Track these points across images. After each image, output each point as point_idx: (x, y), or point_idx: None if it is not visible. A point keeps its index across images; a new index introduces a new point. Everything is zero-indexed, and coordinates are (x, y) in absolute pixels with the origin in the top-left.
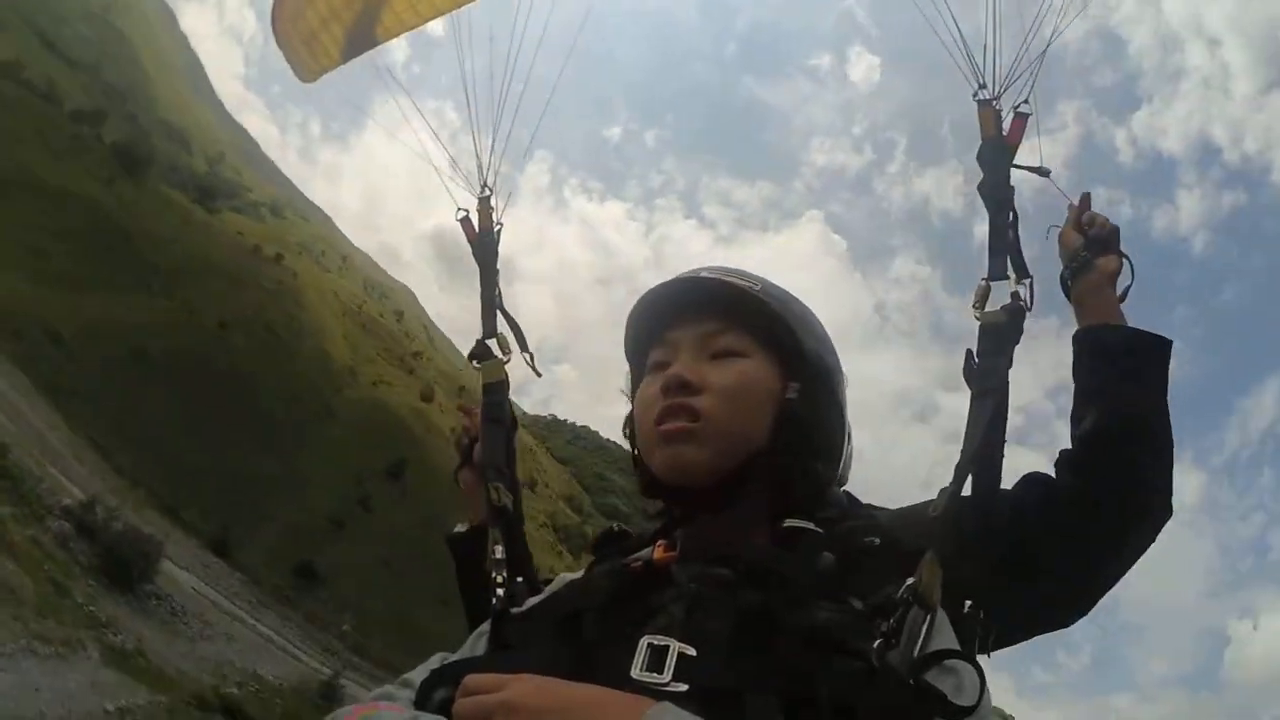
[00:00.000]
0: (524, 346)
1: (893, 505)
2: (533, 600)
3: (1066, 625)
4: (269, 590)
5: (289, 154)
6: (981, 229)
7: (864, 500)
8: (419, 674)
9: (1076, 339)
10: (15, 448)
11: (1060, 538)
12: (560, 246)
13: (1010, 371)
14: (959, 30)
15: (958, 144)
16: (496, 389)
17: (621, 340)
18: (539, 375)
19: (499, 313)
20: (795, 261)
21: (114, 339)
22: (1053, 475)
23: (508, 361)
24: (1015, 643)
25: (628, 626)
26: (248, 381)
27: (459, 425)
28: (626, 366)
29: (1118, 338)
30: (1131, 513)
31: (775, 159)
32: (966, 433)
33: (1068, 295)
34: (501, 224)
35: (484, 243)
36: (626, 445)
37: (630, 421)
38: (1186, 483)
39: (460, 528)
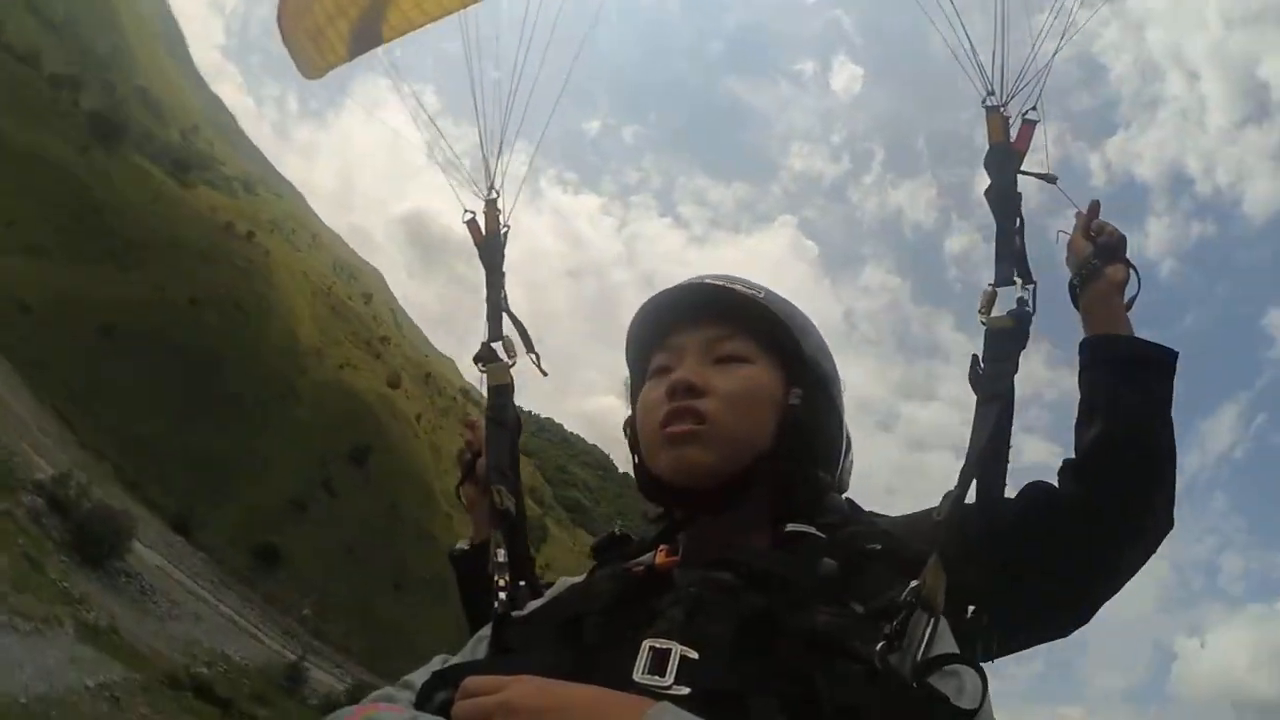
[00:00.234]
0: (530, 348)
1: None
2: (534, 604)
3: (1065, 634)
4: (230, 571)
5: (264, 128)
6: (952, 243)
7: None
8: (419, 676)
9: (1084, 347)
10: None
11: (1062, 545)
12: (532, 236)
13: (1016, 377)
14: (968, 37)
15: (933, 158)
16: (502, 392)
17: (591, 333)
18: (545, 374)
19: (505, 315)
20: (766, 265)
21: (83, 312)
22: (1055, 484)
23: (513, 365)
24: (1014, 650)
25: (629, 630)
26: (215, 360)
27: (461, 439)
28: (625, 370)
29: (1126, 348)
30: (1134, 522)
31: (753, 161)
32: (972, 438)
33: (1075, 303)
34: (508, 226)
35: (491, 245)
36: (587, 439)
37: (631, 424)
38: None
39: (462, 544)
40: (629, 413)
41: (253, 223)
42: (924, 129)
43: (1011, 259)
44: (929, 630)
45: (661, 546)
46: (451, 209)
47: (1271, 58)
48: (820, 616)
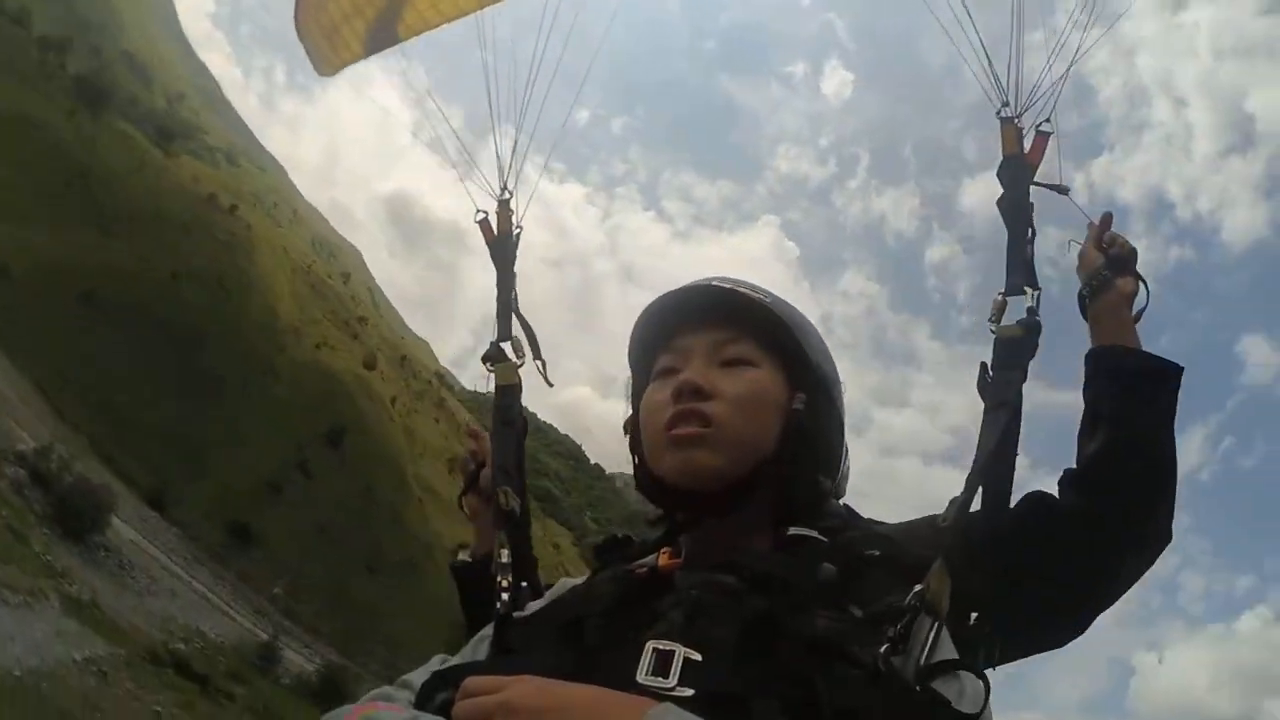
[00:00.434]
0: (536, 354)
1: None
2: (535, 604)
3: (1061, 644)
4: (203, 548)
5: (250, 99)
6: (932, 253)
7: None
8: (418, 676)
9: (1091, 357)
10: None
11: (1062, 553)
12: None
13: (1025, 386)
14: (984, 49)
15: (919, 168)
16: (509, 392)
17: (571, 323)
18: (550, 385)
19: (515, 316)
20: (747, 264)
21: (64, 280)
22: (1056, 494)
23: (521, 365)
24: (1012, 659)
25: (631, 631)
26: (194, 335)
27: (463, 450)
28: (601, 361)
29: (1133, 360)
30: (1133, 534)
31: (740, 160)
32: (979, 444)
33: (1084, 313)
34: (521, 227)
35: (502, 245)
36: (560, 429)
37: (631, 424)
38: None
39: (463, 555)
40: (629, 412)
41: (235, 195)
42: (911, 138)
43: (1022, 268)
44: (932, 635)
45: (664, 549)
46: (434, 191)
47: (1259, 90)
48: (820, 620)
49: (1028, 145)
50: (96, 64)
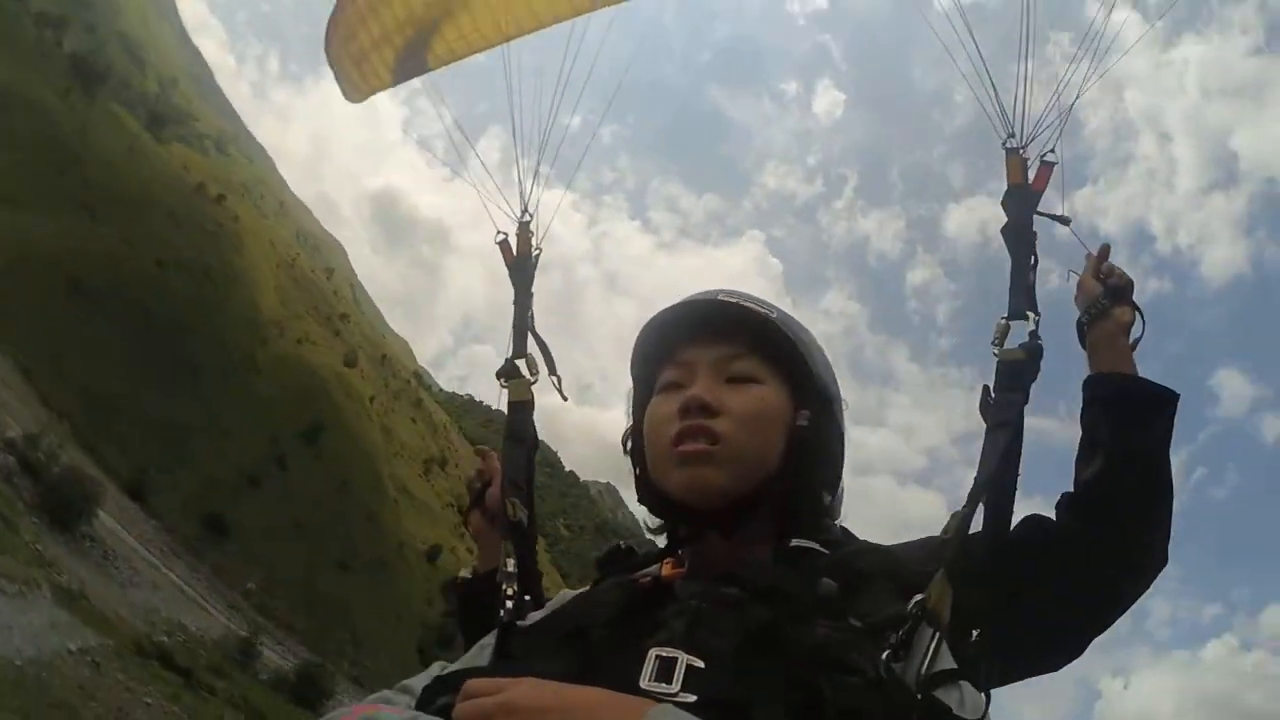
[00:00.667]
0: (552, 370)
1: None
2: (536, 615)
3: (1056, 668)
4: (180, 540)
5: (242, 87)
6: (914, 276)
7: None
8: (418, 681)
9: (1089, 384)
10: None
11: (1059, 577)
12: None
13: (1026, 408)
14: (991, 82)
15: (905, 191)
16: (521, 408)
17: (551, 327)
18: (565, 399)
19: (530, 335)
20: (729, 277)
21: (52, 264)
22: (1053, 518)
23: (534, 383)
24: (1008, 682)
25: (634, 639)
26: (178, 325)
27: (472, 470)
28: (581, 368)
29: (1130, 387)
30: (1130, 559)
31: (728, 174)
32: (981, 463)
33: (1082, 341)
34: (540, 250)
35: (521, 267)
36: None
37: (632, 437)
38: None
39: (465, 572)
40: (629, 423)
41: (224, 185)
42: (899, 161)
43: (1025, 294)
44: (933, 645)
45: (666, 559)
46: (421, 189)
47: (1244, 130)
48: (820, 630)
49: (1032, 175)
50: (91, 43)
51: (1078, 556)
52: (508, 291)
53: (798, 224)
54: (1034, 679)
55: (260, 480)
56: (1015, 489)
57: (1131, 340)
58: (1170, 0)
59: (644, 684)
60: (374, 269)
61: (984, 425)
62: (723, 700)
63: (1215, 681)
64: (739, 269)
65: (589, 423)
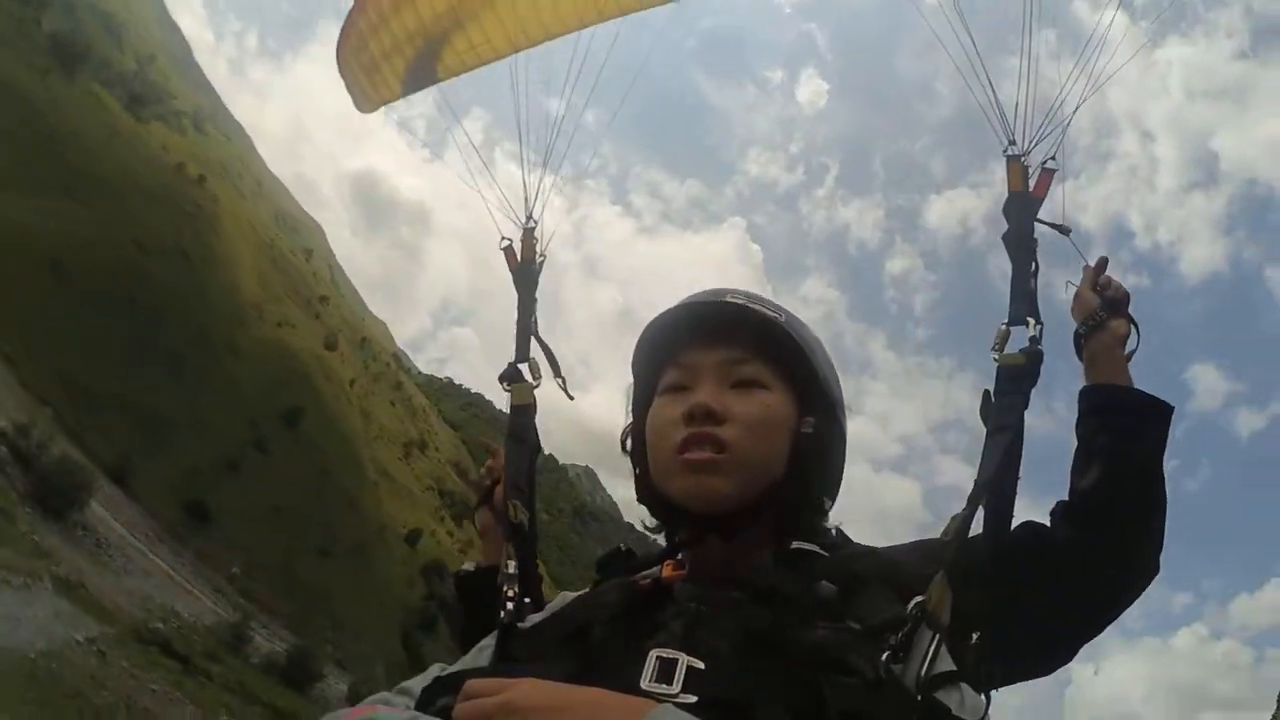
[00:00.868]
0: (557, 372)
1: None
2: (536, 618)
3: (1048, 672)
4: (163, 525)
5: (220, 64)
6: (893, 265)
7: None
8: (417, 683)
9: (1085, 395)
10: None
11: (1054, 585)
12: (480, 207)
13: (1025, 412)
14: (992, 89)
15: (887, 181)
16: (523, 411)
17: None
18: (571, 399)
19: (534, 339)
20: (710, 264)
21: (32, 246)
22: (1047, 524)
23: (537, 386)
24: (998, 686)
25: (634, 640)
26: (158, 308)
27: (482, 468)
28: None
29: (1127, 399)
30: (1125, 567)
31: (710, 161)
32: (981, 466)
33: (1079, 353)
34: (545, 255)
35: (525, 272)
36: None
37: (633, 437)
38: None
39: (468, 566)
40: (628, 420)
41: (203, 165)
42: (881, 151)
43: (1026, 300)
44: (933, 646)
45: (667, 561)
46: (402, 171)
47: (1225, 131)
48: (820, 632)
49: (1033, 183)
50: (71, 23)
51: (1074, 564)
52: (488, 274)
53: (778, 211)
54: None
55: (240, 464)
56: (1015, 492)
57: (1127, 352)
58: (1161, 5)
59: (644, 684)
60: (353, 251)
61: (984, 429)
62: (723, 700)
63: (1185, 669)
64: (720, 255)
65: (568, 406)
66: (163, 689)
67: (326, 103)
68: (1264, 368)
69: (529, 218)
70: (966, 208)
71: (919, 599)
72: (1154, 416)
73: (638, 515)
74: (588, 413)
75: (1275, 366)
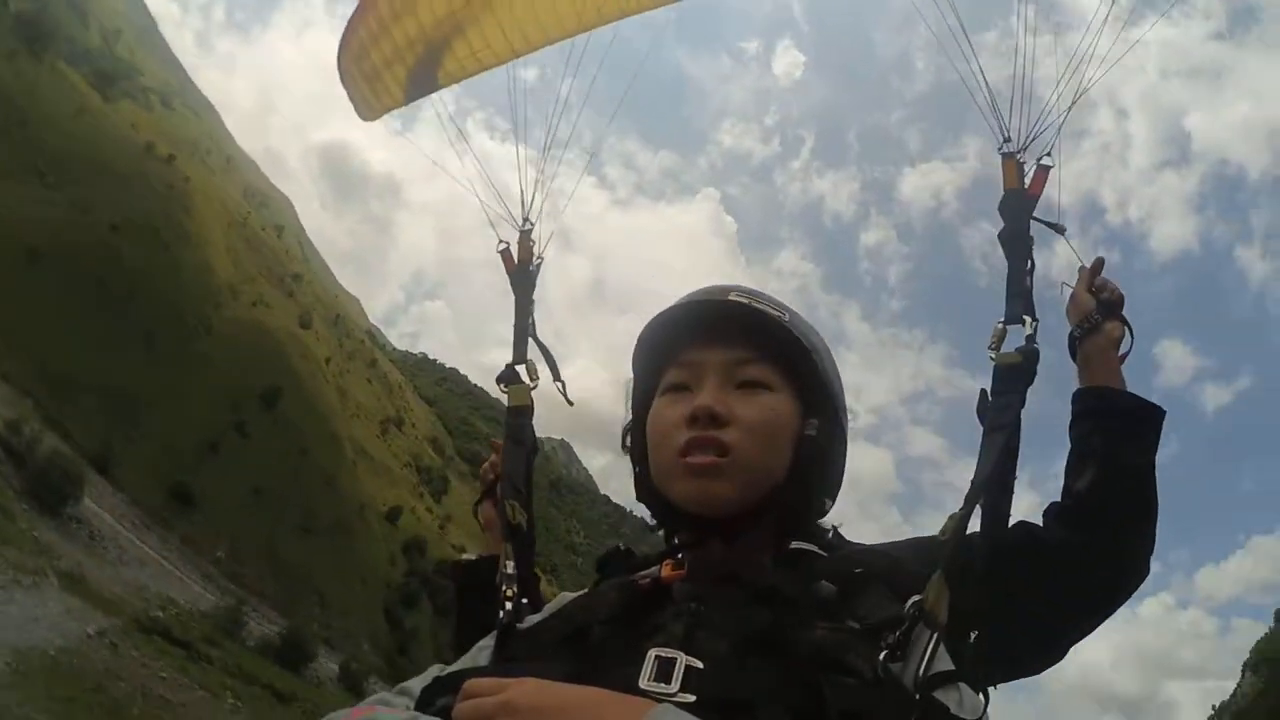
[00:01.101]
0: (556, 375)
1: None
2: (534, 618)
3: (1038, 671)
4: (147, 511)
5: (186, 36)
6: (867, 237)
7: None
8: (417, 683)
9: (1079, 397)
10: None
11: (1048, 584)
12: (453, 179)
13: (1021, 411)
14: (987, 87)
15: (862, 153)
16: (521, 412)
17: (504, 285)
18: (570, 404)
19: (532, 341)
20: (684, 236)
21: (6, 233)
22: (1041, 527)
23: (534, 388)
24: (1004, 680)
25: (634, 640)
26: (133, 290)
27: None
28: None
29: (1121, 401)
30: (1117, 568)
31: (685, 132)
32: (978, 464)
33: (1073, 354)
34: (542, 258)
35: (522, 274)
36: (491, 393)
37: (634, 434)
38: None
39: (468, 555)
40: (628, 417)
41: (173, 143)
42: (856, 124)
43: (1022, 298)
44: (930, 645)
45: (667, 561)
46: (373, 144)
47: (1198, 111)
48: (819, 632)
49: (1028, 180)
50: (38, 1)
51: (1068, 564)
52: (459, 248)
53: (753, 183)
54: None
55: (220, 447)
56: (1013, 491)
57: (1121, 354)
58: None
59: (643, 684)
60: (323, 224)
61: (981, 427)
62: (722, 700)
63: (1152, 637)
64: (694, 227)
65: (543, 379)
66: (172, 676)
67: (294, 75)
68: (1231, 344)
69: (525, 220)
70: (940, 181)
71: (916, 598)
72: (1147, 420)
73: (613, 487)
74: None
75: (1242, 343)
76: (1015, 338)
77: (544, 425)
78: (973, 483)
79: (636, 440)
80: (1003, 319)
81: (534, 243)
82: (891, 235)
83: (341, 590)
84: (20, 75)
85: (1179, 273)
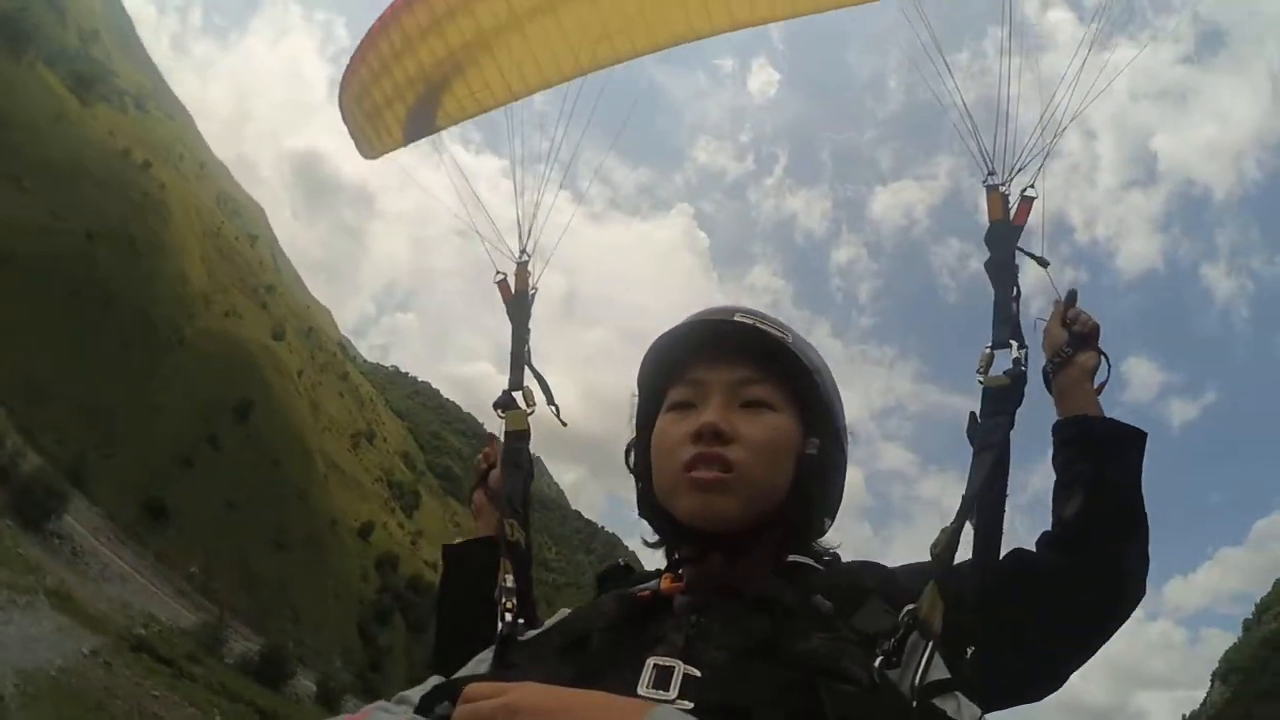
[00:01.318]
0: (550, 400)
1: None
2: (533, 633)
3: (1038, 698)
4: (122, 526)
5: (162, 40)
6: (839, 255)
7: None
8: (416, 692)
9: (1058, 429)
10: None
11: (1040, 610)
12: (410, 166)
13: (1011, 432)
14: (973, 124)
15: (835, 172)
16: (518, 437)
17: (474, 295)
18: (564, 425)
19: (527, 369)
20: (656, 250)
21: None
22: (1035, 553)
23: (531, 413)
24: (993, 709)
25: (633, 650)
26: (108, 299)
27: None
28: (504, 338)
29: (1099, 427)
30: (1104, 591)
31: (660, 148)
32: (969, 482)
33: (1048, 387)
34: (536, 289)
35: (519, 303)
36: (463, 406)
37: (638, 452)
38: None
39: (458, 540)
40: (632, 435)
41: (148, 149)
42: (829, 143)
43: (1008, 324)
44: (926, 654)
45: (666, 574)
46: (346, 152)
47: (1165, 132)
48: (816, 641)
49: (1013, 211)
50: (19, 1)
51: (1058, 587)
52: (432, 258)
53: (726, 200)
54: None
55: (193, 460)
56: (1004, 509)
57: (1098, 384)
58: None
59: (641, 691)
60: (294, 233)
61: (971, 449)
62: (720, 707)
63: (1122, 648)
64: (667, 241)
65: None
66: (163, 694)
67: (269, 81)
68: (1196, 360)
69: (522, 252)
70: (911, 199)
71: (911, 607)
72: (1128, 443)
73: (584, 502)
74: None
75: (1207, 359)
76: (1003, 361)
77: None
78: (963, 499)
79: (640, 457)
80: (990, 344)
81: (530, 274)
82: (862, 253)
83: (314, 606)
84: (1, 78)
85: (1145, 290)
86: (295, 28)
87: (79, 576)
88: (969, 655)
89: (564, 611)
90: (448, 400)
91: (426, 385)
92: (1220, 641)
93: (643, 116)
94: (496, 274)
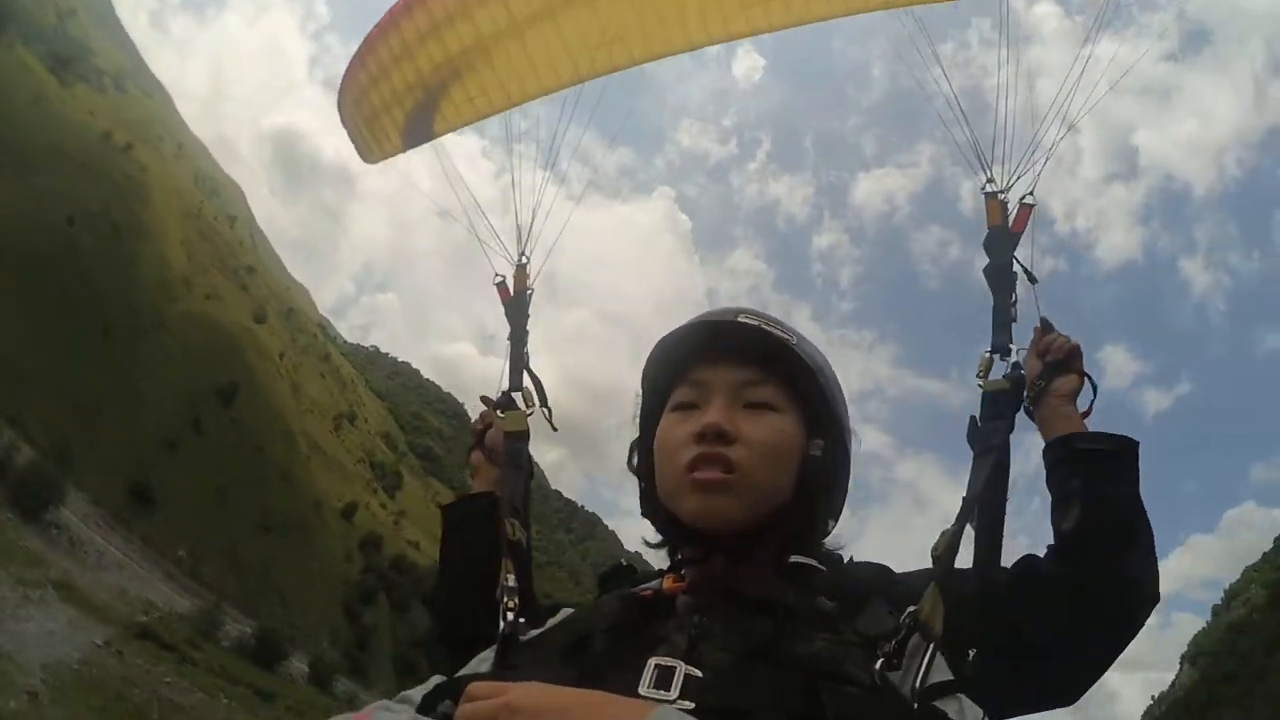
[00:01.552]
0: (544, 402)
1: None
2: (535, 632)
3: (1059, 706)
4: (109, 511)
5: (140, 17)
6: (820, 240)
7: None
8: (418, 692)
9: (1047, 452)
10: None
11: (1047, 621)
12: (406, 171)
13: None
14: (972, 132)
15: (817, 158)
16: (519, 438)
17: (454, 277)
18: (555, 430)
19: (525, 371)
20: (637, 233)
21: None
22: (1042, 559)
23: (530, 414)
24: (1011, 714)
25: (635, 651)
26: (89, 284)
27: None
28: (484, 319)
29: (1089, 442)
30: (1120, 602)
31: (642, 130)
32: (970, 484)
33: (1031, 419)
34: (533, 289)
35: (518, 305)
36: (443, 386)
37: (640, 452)
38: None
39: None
40: (635, 434)
41: (128, 130)
42: (813, 129)
43: (1006, 329)
44: (927, 656)
45: (669, 574)
46: (326, 131)
47: (1146, 128)
48: (819, 642)
49: (1012, 218)
50: None
51: (1065, 594)
52: (412, 239)
53: (709, 183)
54: None
55: (177, 445)
56: (1005, 509)
57: (1083, 407)
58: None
59: (642, 691)
60: (273, 212)
61: (972, 451)
62: (721, 708)
63: None
64: (648, 224)
65: (496, 375)
66: (174, 680)
67: (248, 60)
68: (1171, 351)
69: (521, 254)
70: (893, 186)
71: (912, 608)
72: (1120, 454)
73: (564, 482)
74: None
75: (1182, 350)
76: (1002, 365)
77: None
78: (965, 500)
79: (643, 457)
80: (989, 349)
81: (528, 276)
82: (844, 239)
83: (301, 588)
84: None
85: (1123, 281)
86: (275, 4)
87: (79, 566)
88: (971, 658)
89: (566, 611)
90: (428, 380)
91: (407, 365)
92: (1190, 626)
93: (623, 95)
94: (495, 276)
